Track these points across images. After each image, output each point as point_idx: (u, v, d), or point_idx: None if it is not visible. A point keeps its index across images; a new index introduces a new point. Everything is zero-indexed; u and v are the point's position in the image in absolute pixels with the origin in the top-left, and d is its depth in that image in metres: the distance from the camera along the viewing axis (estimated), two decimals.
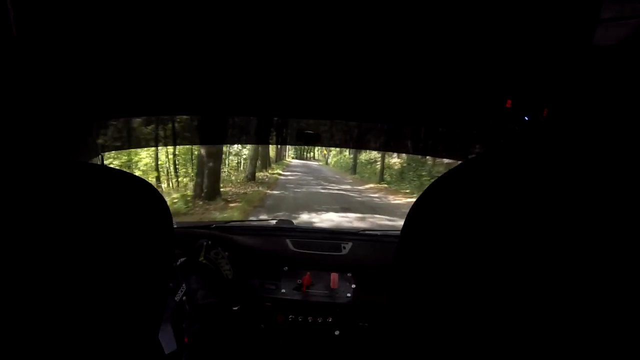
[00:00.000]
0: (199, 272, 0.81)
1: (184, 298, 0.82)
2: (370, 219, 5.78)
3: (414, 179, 9.82)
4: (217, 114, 0.95)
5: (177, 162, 8.59)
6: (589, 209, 0.14)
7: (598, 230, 0.14)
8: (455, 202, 0.20)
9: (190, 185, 7.52)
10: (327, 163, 21.32)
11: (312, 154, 27.86)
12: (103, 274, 0.28)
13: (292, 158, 25.03)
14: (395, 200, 8.23)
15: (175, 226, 1.15)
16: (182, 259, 0.84)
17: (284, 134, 1.04)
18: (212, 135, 1.09)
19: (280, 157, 18.87)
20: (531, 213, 0.16)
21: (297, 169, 16.06)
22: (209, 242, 0.88)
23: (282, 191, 8.42)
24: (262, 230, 1.22)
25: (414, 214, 0.25)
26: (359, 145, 1.01)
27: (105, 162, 1.00)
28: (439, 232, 0.21)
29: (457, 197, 0.21)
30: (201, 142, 1.69)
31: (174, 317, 0.87)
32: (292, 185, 9.61)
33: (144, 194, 0.33)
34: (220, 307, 0.72)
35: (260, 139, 1.08)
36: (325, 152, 21.17)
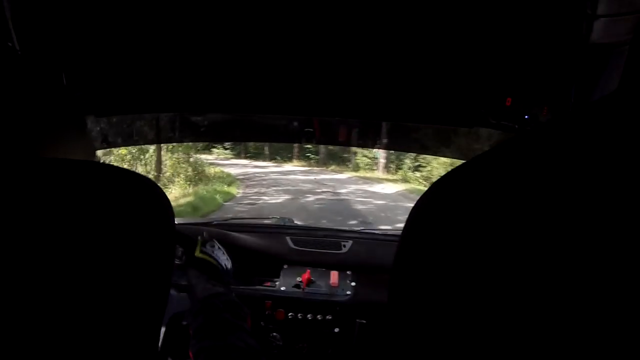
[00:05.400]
0: (198, 267, 0.80)
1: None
2: None
3: None
4: (215, 111, 0.95)
5: None
6: (593, 209, 0.14)
7: (604, 231, 0.14)
8: (458, 201, 0.20)
9: None
10: None
11: None
12: (104, 272, 0.28)
13: None
14: None
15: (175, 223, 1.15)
16: (181, 259, 0.84)
17: (284, 131, 1.04)
18: (212, 132, 1.09)
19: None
20: (535, 213, 0.16)
21: None
22: (204, 234, 0.87)
23: None
24: (262, 228, 1.23)
25: (416, 214, 0.24)
26: (358, 143, 1.02)
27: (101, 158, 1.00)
28: (441, 232, 0.20)
29: (459, 196, 0.21)
30: (198, 140, 1.69)
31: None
32: None
33: (146, 192, 0.33)
34: (222, 297, 0.71)
35: (257, 137, 1.09)
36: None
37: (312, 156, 14.79)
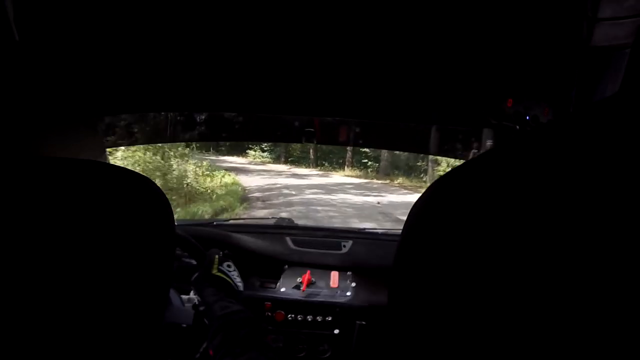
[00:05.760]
0: (214, 285, 0.82)
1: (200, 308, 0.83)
2: None
3: None
4: (220, 110, 0.97)
5: None
6: (593, 210, 0.14)
7: (604, 232, 0.14)
8: (458, 201, 0.20)
9: None
10: None
11: None
12: (103, 272, 0.29)
13: None
14: None
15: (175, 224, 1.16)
16: (196, 274, 0.85)
17: (286, 131, 1.05)
18: (219, 131, 1.11)
19: None
20: (535, 214, 0.16)
21: None
22: (222, 253, 0.88)
23: None
24: (263, 228, 1.24)
25: (415, 213, 0.25)
26: (360, 143, 1.02)
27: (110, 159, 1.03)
28: (441, 232, 0.21)
29: (459, 196, 0.21)
30: (206, 139, 1.72)
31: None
32: None
33: (145, 192, 0.34)
34: (240, 314, 0.72)
35: (262, 136, 1.10)
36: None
37: (370, 163, 10.73)
